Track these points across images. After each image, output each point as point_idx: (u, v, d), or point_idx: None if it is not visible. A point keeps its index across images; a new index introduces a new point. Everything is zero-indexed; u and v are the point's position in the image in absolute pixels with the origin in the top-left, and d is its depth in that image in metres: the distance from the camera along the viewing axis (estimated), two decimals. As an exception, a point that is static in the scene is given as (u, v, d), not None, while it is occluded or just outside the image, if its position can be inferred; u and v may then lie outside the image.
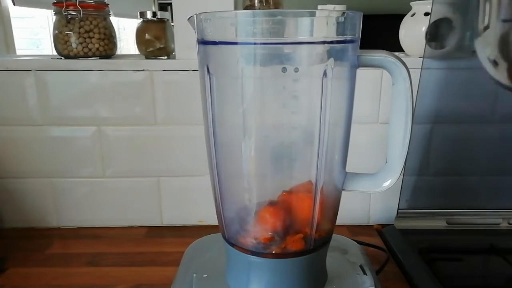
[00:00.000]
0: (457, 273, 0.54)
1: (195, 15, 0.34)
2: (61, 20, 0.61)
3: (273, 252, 0.37)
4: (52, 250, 0.60)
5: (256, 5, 0.64)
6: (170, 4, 0.61)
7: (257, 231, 0.37)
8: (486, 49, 0.39)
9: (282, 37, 0.31)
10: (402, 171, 0.38)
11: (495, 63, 0.38)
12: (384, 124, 0.63)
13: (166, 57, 0.65)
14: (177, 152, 0.64)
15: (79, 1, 0.59)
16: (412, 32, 0.62)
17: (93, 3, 0.61)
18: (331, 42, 0.32)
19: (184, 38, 0.61)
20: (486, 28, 0.38)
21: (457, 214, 0.65)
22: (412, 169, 0.65)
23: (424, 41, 0.60)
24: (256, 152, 0.35)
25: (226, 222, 0.39)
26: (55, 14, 0.62)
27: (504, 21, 0.37)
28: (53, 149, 0.63)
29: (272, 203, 0.37)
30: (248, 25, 0.31)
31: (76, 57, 0.62)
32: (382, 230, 0.65)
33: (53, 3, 0.61)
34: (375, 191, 0.39)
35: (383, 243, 0.61)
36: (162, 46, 0.64)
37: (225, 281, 0.41)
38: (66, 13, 0.60)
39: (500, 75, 0.38)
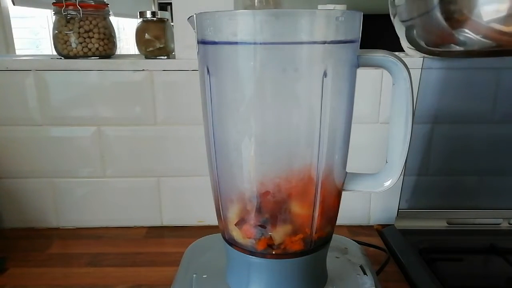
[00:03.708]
0: (457, 273, 0.54)
1: (195, 15, 0.34)
2: (61, 20, 0.61)
3: (273, 252, 0.37)
4: (52, 250, 0.60)
5: (256, 4, 0.64)
6: (170, 4, 0.60)
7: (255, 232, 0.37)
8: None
9: (282, 37, 0.31)
10: (403, 171, 0.38)
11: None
12: (384, 124, 0.63)
13: (166, 57, 0.65)
14: (177, 152, 0.64)
15: (78, 1, 0.59)
16: (412, 32, 0.62)
17: (93, 3, 0.61)
18: (331, 42, 0.32)
19: (184, 38, 0.61)
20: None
21: (457, 214, 0.65)
22: (412, 169, 0.65)
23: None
24: (256, 152, 0.35)
25: (226, 222, 0.39)
26: (54, 14, 0.62)
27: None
28: (53, 149, 0.63)
29: (270, 202, 0.37)
30: (248, 25, 0.31)
31: (75, 57, 0.62)
32: (382, 230, 0.65)
33: (53, 3, 0.60)
34: (375, 191, 0.39)
35: (383, 243, 0.61)
36: (162, 46, 0.64)
37: (225, 281, 0.41)
38: (65, 13, 0.60)
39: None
